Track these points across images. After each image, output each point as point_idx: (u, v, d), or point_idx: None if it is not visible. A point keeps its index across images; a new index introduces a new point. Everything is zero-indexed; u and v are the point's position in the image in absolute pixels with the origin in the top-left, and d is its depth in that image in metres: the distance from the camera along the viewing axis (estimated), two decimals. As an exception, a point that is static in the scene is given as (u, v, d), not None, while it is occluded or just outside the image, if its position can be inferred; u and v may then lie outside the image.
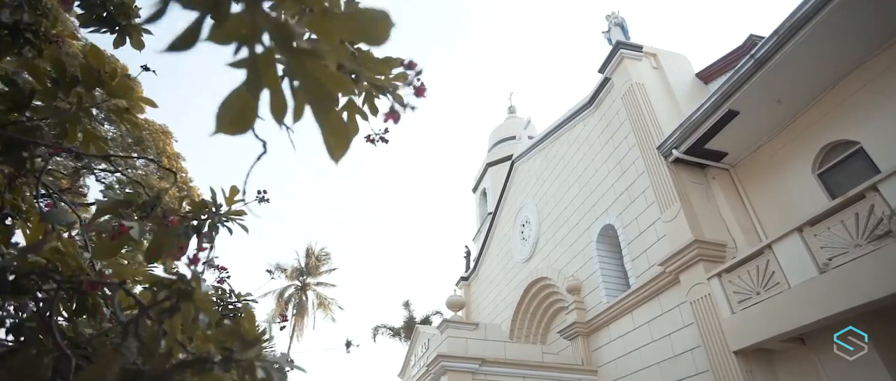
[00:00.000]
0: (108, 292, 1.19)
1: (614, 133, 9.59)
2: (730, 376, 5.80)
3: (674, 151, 7.60)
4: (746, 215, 7.29)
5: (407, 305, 23.44)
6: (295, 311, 24.68)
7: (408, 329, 22.51)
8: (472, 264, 17.47)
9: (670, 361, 7.11)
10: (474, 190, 21.21)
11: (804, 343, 5.67)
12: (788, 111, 6.69)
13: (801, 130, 6.69)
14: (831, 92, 6.27)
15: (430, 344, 9.76)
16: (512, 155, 15.56)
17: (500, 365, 8.33)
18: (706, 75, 9.49)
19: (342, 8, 0.62)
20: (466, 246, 18.96)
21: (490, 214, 16.75)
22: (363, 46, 0.70)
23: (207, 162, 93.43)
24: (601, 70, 10.06)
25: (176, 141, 15.80)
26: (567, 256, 10.69)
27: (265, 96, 0.53)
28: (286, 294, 25.05)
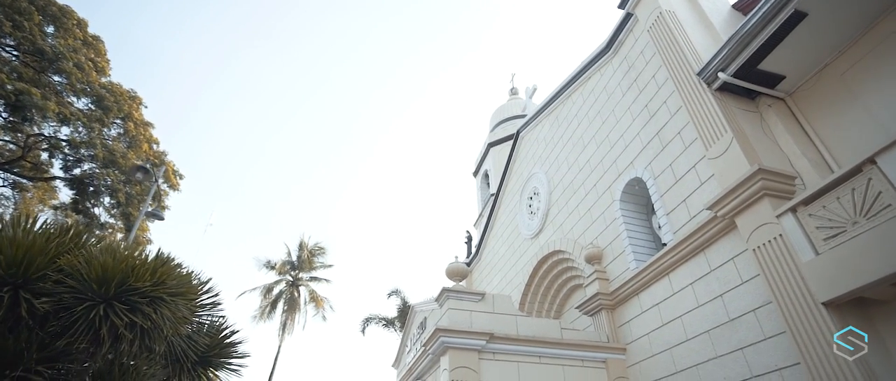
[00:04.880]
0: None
1: (639, 74, 8.26)
2: (820, 335, 4.41)
3: (720, 75, 6.26)
4: (813, 147, 5.93)
5: (397, 292, 21.75)
6: (285, 307, 23.14)
7: (402, 319, 20.90)
8: (473, 249, 16.08)
9: (724, 327, 5.73)
10: (475, 173, 19.88)
11: (919, 289, 4.30)
12: (872, 9, 5.37)
13: (888, 33, 5.36)
14: (934, -27, 4.95)
15: (427, 323, 8.38)
16: (514, 134, 14.18)
17: (511, 342, 6.93)
18: (744, 6, 8.19)
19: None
20: (468, 231, 17.58)
21: (493, 195, 15.39)
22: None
23: (181, 129, 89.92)
24: (621, 5, 8.76)
25: (145, 107, 14.43)
26: (584, 222, 9.32)
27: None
28: (275, 290, 23.51)
